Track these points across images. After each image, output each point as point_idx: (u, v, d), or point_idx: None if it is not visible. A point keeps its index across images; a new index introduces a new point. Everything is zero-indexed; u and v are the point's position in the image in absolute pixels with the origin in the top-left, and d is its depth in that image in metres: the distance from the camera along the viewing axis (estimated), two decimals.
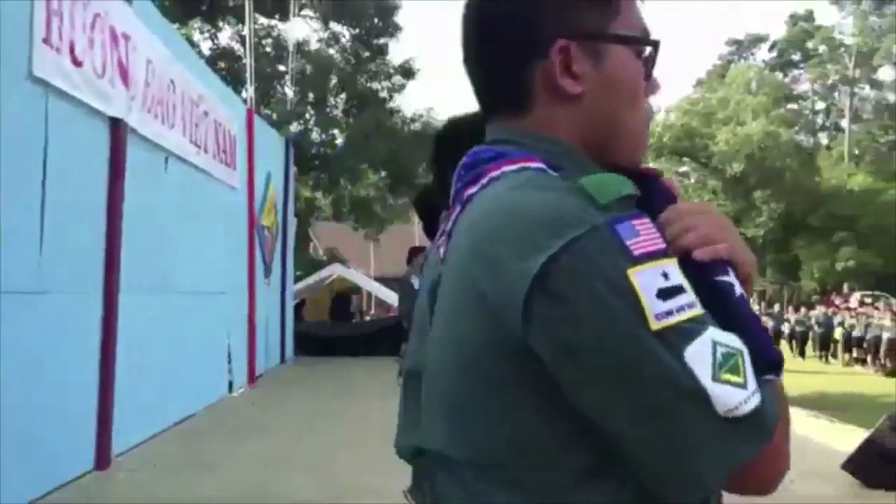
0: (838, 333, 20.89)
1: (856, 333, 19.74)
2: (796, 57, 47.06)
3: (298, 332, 13.93)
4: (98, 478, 5.34)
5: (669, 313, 0.69)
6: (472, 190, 0.85)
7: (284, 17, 16.82)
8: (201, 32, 17.20)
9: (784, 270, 37.28)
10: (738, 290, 0.77)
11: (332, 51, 18.02)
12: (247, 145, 10.34)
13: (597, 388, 0.71)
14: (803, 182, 35.71)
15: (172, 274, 7.14)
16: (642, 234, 0.71)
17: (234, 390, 9.37)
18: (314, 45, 18.15)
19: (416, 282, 10.91)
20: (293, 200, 14.23)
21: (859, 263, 32.49)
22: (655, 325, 0.69)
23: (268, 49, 17.35)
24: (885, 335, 18.13)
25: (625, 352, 0.69)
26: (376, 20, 17.21)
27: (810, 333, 22.14)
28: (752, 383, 0.70)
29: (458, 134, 3.15)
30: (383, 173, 18.09)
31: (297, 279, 15.43)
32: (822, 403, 10.42)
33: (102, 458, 5.48)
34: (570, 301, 0.70)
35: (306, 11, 17.83)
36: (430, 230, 3.52)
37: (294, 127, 16.35)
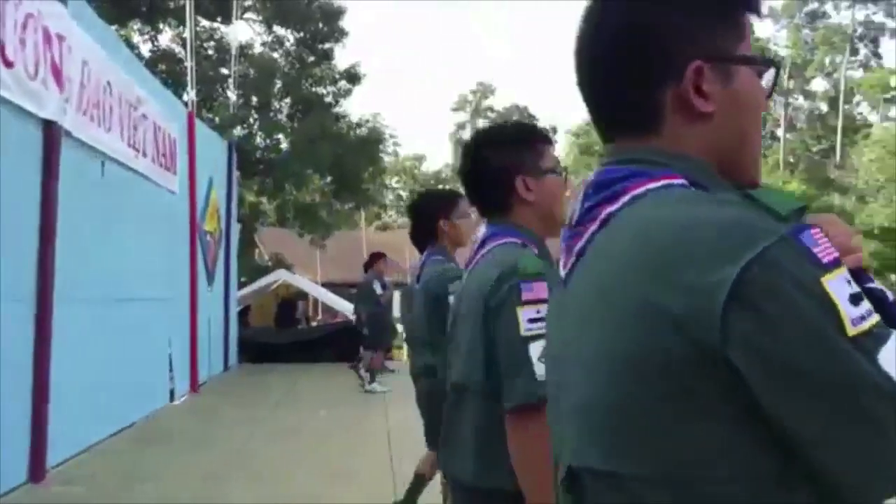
0: None
1: None
2: None
3: (243, 338, 13.71)
4: (32, 491, 5.17)
5: (862, 318, 0.71)
6: (612, 208, 0.86)
7: (227, 19, 16.59)
8: (141, 34, 16.84)
9: None
10: (890, 294, 0.79)
11: (276, 54, 17.83)
12: (188, 149, 10.15)
13: (797, 396, 0.71)
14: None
15: (110, 281, 6.96)
16: (820, 243, 0.73)
17: (176, 399, 9.17)
18: (258, 49, 17.96)
19: (377, 287, 10.87)
20: (237, 205, 14.03)
21: None
22: (852, 331, 0.70)
23: (210, 52, 17.09)
24: None
25: (826, 359, 0.70)
26: (321, 24, 17.10)
27: None
28: None
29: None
30: (329, 178, 17.96)
31: (242, 285, 15.20)
32: None
33: (37, 470, 5.31)
34: (768, 311, 0.70)
35: (249, 14, 17.63)
36: (419, 238, 3.54)
37: (237, 131, 16.12)
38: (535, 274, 1.65)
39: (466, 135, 64.86)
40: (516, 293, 1.65)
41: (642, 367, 0.77)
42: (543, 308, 1.57)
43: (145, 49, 16.64)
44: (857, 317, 0.71)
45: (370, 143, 17.71)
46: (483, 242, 1.87)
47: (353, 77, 17.39)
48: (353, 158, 16.81)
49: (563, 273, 0.94)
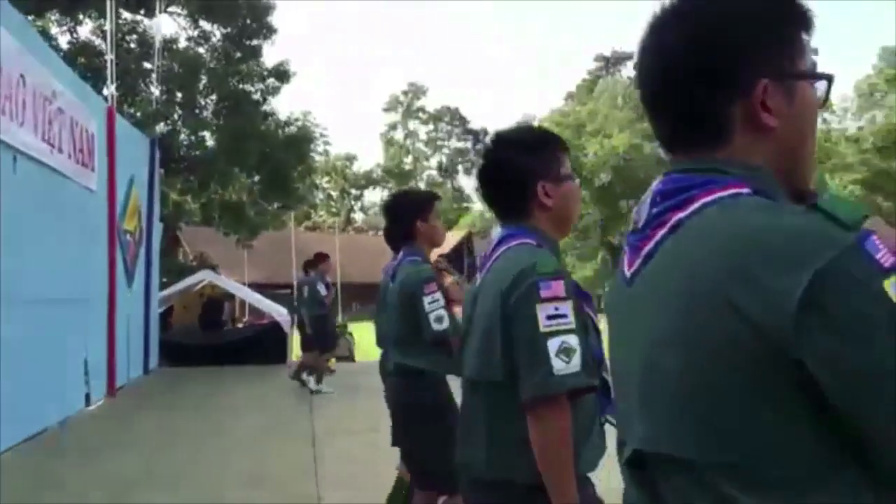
0: None
1: None
2: None
3: (165, 340, 13.34)
4: None
5: None
6: (682, 214, 0.93)
7: (150, 12, 16.11)
8: (59, 25, 16.19)
9: None
10: None
11: (201, 50, 17.39)
12: (107, 145, 9.83)
13: (866, 394, 0.78)
14: None
15: (23, 282, 6.67)
16: (881, 248, 0.79)
17: (92, 403, 8.87)
18: (183, 44, 17.50)
19: (321, 288, 10.71)
20: (159, 204, 13.64)
21: None
22: None
23: (132, 45, 16.56)
24: None
25: (890, 358, 0.76)
26: (249, 20, 16.78)
27: None
28: None
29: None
30: (256, 177, 17.65)
31: (164, 286, 14.80)
32: None
33: None
34: (837, 314, 0.77)
35: (174, 8, 17.16)
36: (394, 239, 3.53)
37: (160, 127, 15.68)
38: (553, 272, 1.74)
39: (398, 135, 64.84)
40: (535, 291, 1.72)
41: (722, 361, 0.84)
42: (562, 305, 1.71)
43: (63, 41, 16.02)
44: None
45: (299, 141, 17.47)
46: (499, 243, 1.93)
47: (282, 75, 17.12)
48: (281, 157, 16.56)
49: (627, 273, 1.00)
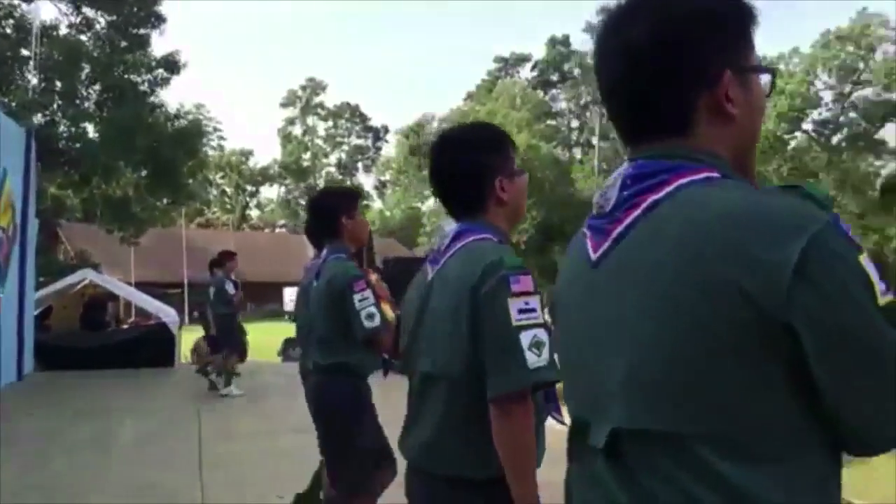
0: None
1: None
2: (555, 77, 51.07)
3: (43, 343, 12.54)
4: None
5: (885, 292, 0.87)
6: (657, 196, 0.97)
7: None
8: None
9: (544, 274, 40.13)
10: None
11: (84, 37, 16.51)
12: None
13: (842, 355, 0.86)
14: (560, 193, 38.74)
15: None
16: (849, 229, 0.88)
17: None
18: (64, 30, 16.56)
19: (229, 287, 10.36)
20: (35, 199, 12.84)
21: None
22: (881, 301, 0.87)
23: (8, 30, 15.56)
24: None
25: (865, 324, 0.86)
26: (136, 8, 16.05)
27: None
28: None
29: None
30: (143, 172, 16.92)
31: (42, 285, 13.95)
32: None
33: None
34: (824, 284, 0.85)
35: None
36: (317, 235, 3.45)
37: (38, 118, 14.79)
38: (520, 267, 1.75)
39: (296, 131, 63.74)
40: (506, 285, 1.71)
41: (709, 335, 0.88)
42: (531, 300, 1.73)
43: None
44: (883, 289, 0.87)
45: (190, 135, 16.87)
46: (455, 238, 1.91)
47: (171, 66, 16.49)
48: (169, 151, 15.93)
49: (593, 256, 1.04)
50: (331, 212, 3.38)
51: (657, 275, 0.93)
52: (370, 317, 3.08)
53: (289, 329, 20.81)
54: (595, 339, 1.03)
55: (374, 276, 3.41)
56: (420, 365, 1.92)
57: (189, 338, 13.53)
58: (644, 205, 0.98)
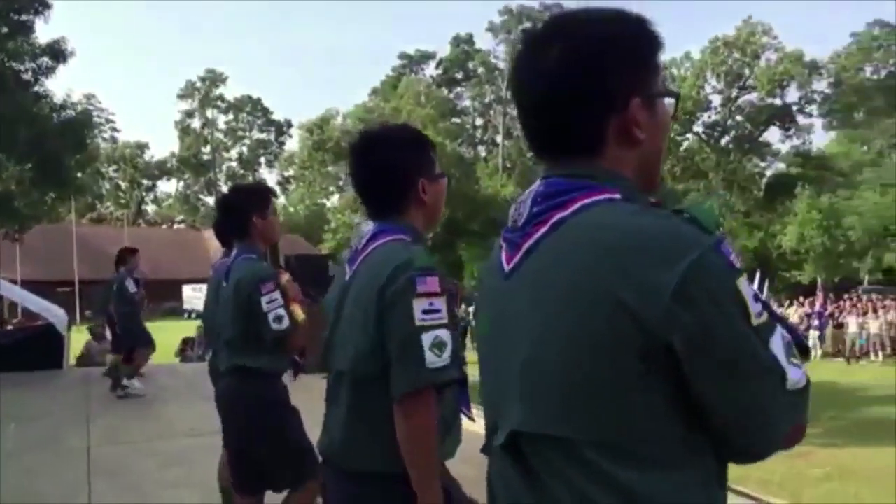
0: None
1: None
2: (459, 75, 51.51)
3: None
4: None
5: (760, 314, 0.94)
6: (562, 214, 1.03)
7: None
8: None
9: (450, 271, 40.49)
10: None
11: None
12: None
13: (716, 372, 0.93)
14: (465, 190, 39.10)
15: None
16: (731, 251, 0.95)
17: None
18: None
19: (130, 285, 9.91)
20: None
21: None
22: (755, 322, 0.93)
23: None
24: None
25: (739, 343, 0.93)
26: None
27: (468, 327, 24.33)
28: (803, 365, 0.98)
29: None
30: (28, 165, 15.99)
31: None
32: None
33: None
34: (702, 305, 0.91)
35: None
36: (226, 233, 3.35)
37: None
38: (428, 268, 1.79)
39: (195, 123, 61.85)
40: (412, 285, 1.75)
41: (601, 348, 0.95)
42: (436, 301, 1.77)
43: None
44: (757, 311, 0.94)
45: (77, 126, 16.03)
46: (371, 238, 1.93)
47: (57, 54, 15.64)
48: (55, 143, 15.10)
49: (506, 268, 1.10)
50: (242, 210, 3.27)
51: (557, 288, 1.00)
52: (278, 319, 3.03)
53: (187, 327, 20.17)
54: (502, 345, 1.09)
55: (285, 277, 3.35)
56: (335, 363, 1.97)
57: (80, 338, 12.92)
58: (551, 221, 1.04)
